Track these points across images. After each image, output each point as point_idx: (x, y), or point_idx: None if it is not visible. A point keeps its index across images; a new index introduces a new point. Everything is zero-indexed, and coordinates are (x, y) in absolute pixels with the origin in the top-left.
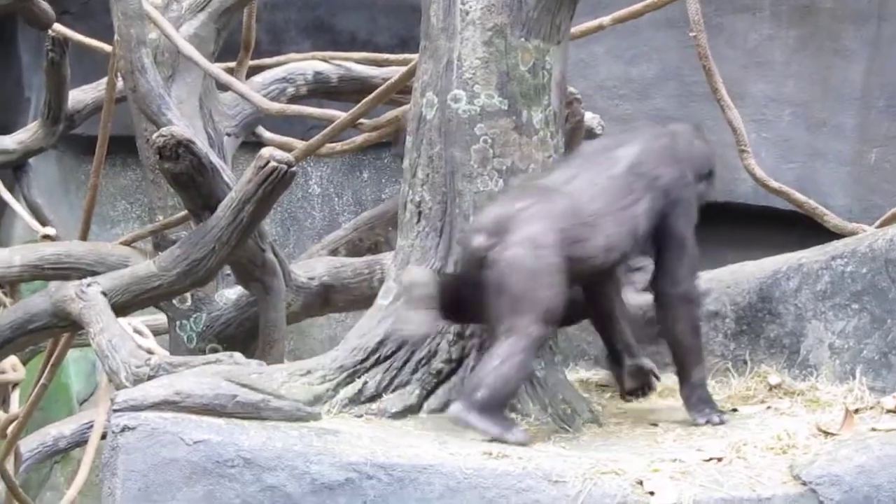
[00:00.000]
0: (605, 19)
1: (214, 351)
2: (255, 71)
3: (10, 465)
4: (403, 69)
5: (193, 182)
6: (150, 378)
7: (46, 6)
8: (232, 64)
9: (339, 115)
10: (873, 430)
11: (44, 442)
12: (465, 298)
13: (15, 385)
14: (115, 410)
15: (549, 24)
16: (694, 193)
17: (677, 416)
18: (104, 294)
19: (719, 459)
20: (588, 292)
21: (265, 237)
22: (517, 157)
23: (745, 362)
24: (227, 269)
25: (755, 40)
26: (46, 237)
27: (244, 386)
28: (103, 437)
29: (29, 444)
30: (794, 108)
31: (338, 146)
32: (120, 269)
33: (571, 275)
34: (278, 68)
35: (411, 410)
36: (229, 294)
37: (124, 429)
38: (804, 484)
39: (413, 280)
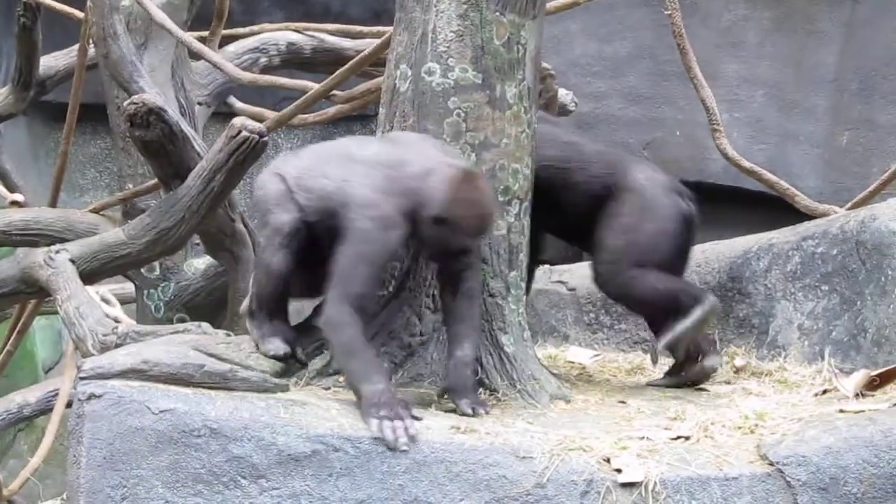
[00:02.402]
0: None
1: (182, 320)
2: (227, 40)
3: None
4: (377, 41)
5: (164, 150)
6: (116, 346)
7: None
8: (205, 33)
9: (312, 86)
10: (841, 411)
11: (8, 409)
12: None
13: None
14: (82, 378)
15: None
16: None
17: (646, 395)
18: (72, 261)
19: (687, 438)
20: None
21: (235, 207)
22: (490, 131)
23: (715, 342)
24: (196, 239)
25: (729, 20)
26: (15, 203)
27: (212, 356)
28: (68, 405)
29: None
30: (767, 88)
31: (310, 117)
32: (89, 237)
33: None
34: (251, 38)
35: None
36: (198, 264)
37: (90, 397)
38: (771, 464)
39: None
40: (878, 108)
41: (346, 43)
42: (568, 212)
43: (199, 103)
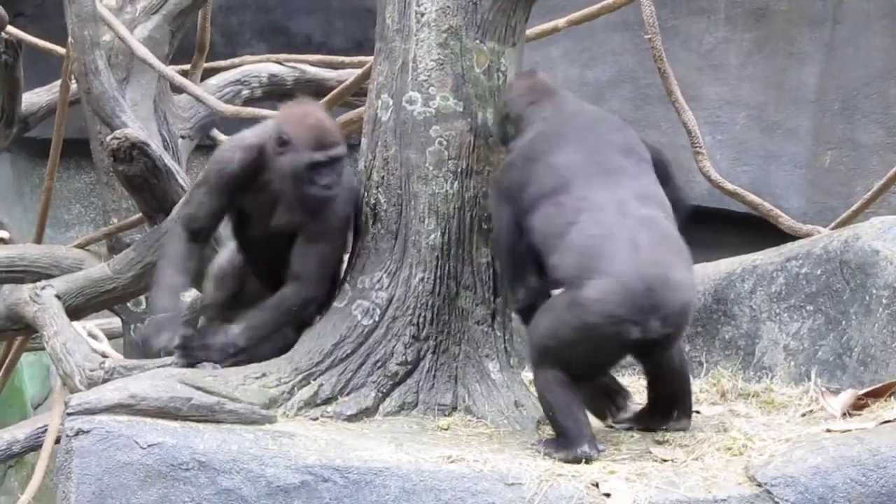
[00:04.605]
0: (561, 21)
1: (169, 354)
2: (209, 73)
3: None
4: (358, 71)
5: (147, 184)
6: (104, 381)
7: (0, 8)
8: (186, 66)
9: None
10: (828, 431)
11: None
12: None
13: None
14: (70, 414)
15: (505, 26)
16: None
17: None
18: (58, 297)
19: (675, 461)
20: None
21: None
22: (473, 158)
23: (701, 364)
24: None
25: (710, 43)
26: (0, 240)
27: (199, 389)
28: (57, 441)
29: None
30: (749, 110)
31: None
32: (74, 273)
33: None
34: (233, 70)
35: (367, 413)
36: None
37: (78, 432)
38: (759, 485)
39: None
40: (861, 128)
41: (327, 74)
42: None
43: (182, 136)
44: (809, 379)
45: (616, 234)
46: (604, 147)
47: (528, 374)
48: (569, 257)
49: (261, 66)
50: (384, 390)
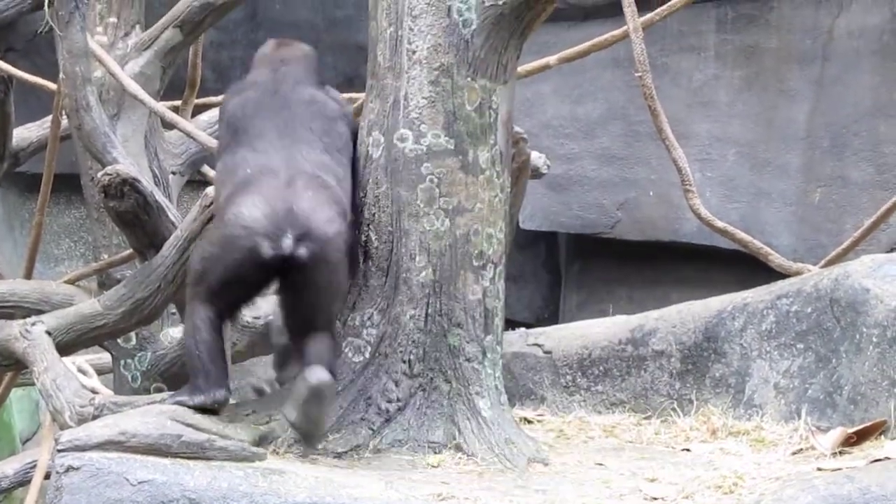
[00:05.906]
0: (552, 58)
1: (159, 390)
2: (200, 109)
3: None
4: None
5: (138, 220)
6: (94, 418)
7: None
8: (178, 102)
9: None
10: (819, 469)
11: None
12: None
13: None
14: (60, 450)
15: (496, 64)
16: None
17: (623, 457)
18: (48, 333)
19: (665, 499)
20: None
21: None
22: (463, 196)
23: (691, 402)
24: (173, 308)
25: (700, 80)
26: None
27: (189, 426)
28: (46, 476)
29: None
30: (739, 147)
31: None
32: (64, 308)
33: None
34: None
35: (357, 450)
36: (174, 333)
37: (68, 469)
38: None
39: None
40: (851, 165)
41: None
42: None
43: (173, 172)
44: (800, 417)
45: (275, 172)
46: (295, 118)
47: (519, 412)
48: (226, 189)
49: None
50: (375, 427)
